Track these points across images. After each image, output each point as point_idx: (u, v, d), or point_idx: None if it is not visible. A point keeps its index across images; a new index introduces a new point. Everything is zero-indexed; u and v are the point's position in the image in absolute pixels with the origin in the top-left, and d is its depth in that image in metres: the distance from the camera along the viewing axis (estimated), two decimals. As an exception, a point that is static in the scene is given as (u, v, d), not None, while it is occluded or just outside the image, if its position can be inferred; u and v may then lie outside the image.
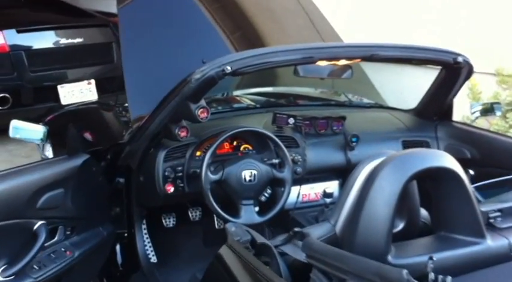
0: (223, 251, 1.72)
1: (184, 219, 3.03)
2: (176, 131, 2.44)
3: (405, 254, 1.55)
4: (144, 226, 2.86)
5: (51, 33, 5.65)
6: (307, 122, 2.84)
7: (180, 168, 2.55)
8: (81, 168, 2.30)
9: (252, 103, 3.33)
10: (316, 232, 1.69)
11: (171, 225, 3.02)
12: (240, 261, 1.62)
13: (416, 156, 1.62)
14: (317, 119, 2.88)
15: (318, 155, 2.85)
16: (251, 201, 2.53)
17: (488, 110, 3.11)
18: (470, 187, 1.62)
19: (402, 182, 1.52)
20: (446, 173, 1.58)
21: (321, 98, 3.66)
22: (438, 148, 2.96)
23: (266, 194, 2.62)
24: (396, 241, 1.60)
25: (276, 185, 2.62)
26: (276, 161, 2.65)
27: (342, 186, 2.94)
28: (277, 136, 2.62)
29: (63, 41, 5.63)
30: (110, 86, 5.70)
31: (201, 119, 2.33)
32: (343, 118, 2.92)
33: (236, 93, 3.61)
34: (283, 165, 2.60)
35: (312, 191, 2.89)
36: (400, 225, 1.74)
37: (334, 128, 2.92)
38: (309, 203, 2.88)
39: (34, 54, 5.48)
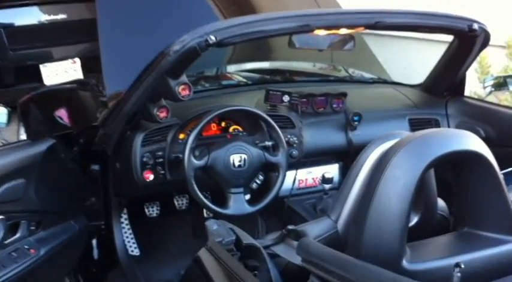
0: (203, 254, 1.44)
1: (169, 208, 2.75)
2: (155, 111, 2.15)
3: (423, 257, 1.28)
4: (124, 216, 2.58)
5: (33, 9, 5.29)
6: (304, 100, 2.55)
7: (160, 153, 2.26)
8: (46, 155, 2.01)
9: (243, 80, 3.03)
10: (315, 230, 1.41)
11: (154, 215, 2.74)
12: (221, 267, 1.35)
13: (437, 137, 1.32)
14: (315, 96, 2.59)
15: (316, 136, 2.56)
16: (241, 189, 2.25)
17: (500, 84, 2.81)
18: (500, 174, 1.34)
19: (420, 170, 1.24)
20: (473, 158, 1.29)
21: (319, 73, 3.36)
22: (448, 126, 2.67)
23: (258, 181, 2.34)
24: (410, 240, 1.32)
25: (269, 170, 2.34)
26: (269, 143, 2.36)
27: (342, 170, 2.66)
28: (270, 116, 2.33)
29: (46, 17, 5.27)
30: (96, 65, 5.36)
31: (182, 97, 2.04)
32: (344, 95, 2.62)
33: (230, 69, 3.32)
34: (276, 148, 2.31)
35: (309, 176, 2.60)
36: (414, 220, 1.47)
37: (334, 105, 2.63)
38: (306, 189, 2.60)
39: (14, 32, 5.12)
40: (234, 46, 3.01)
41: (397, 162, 1.25)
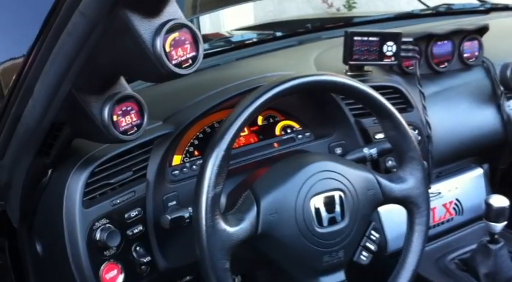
0: None
1: None
2: (105, 112, 0.80)
3: None
4: None
5: None
6: (416, 48, 1.22)
7: (132, 215, 0.93)
8: None
9: (262, 33, 1.66)
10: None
11: None
12: None
13: None
14: (430, 40, 1.27)
15: (446, 122, 1.26)
16: (337, 274, 0.94)
17: None
18: None
19: None
20: None
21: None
22: None
23: (370, 246, 1.02)
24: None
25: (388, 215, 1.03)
26: (370, 151, 1.06)
27: (488, 178, 1.37)
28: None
29: None
30: None
31: (181, 66, 0.71)
32: (482, 31, 1.32)
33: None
34: (402, 159, 1.00)
35: (438, 201, 1.30)
36: None
37: (466, 54, 1.32)
38: (436, 227, 1.30)
39: None
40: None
41: None
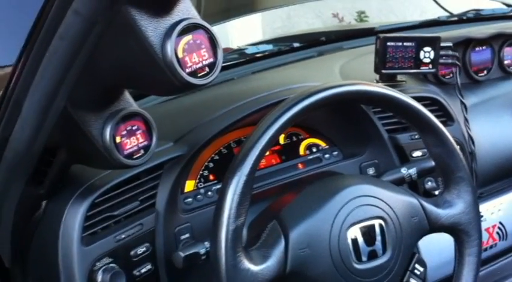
0: None
1: None
2: (107, 133, 0.68)
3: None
4: None
5: None
6: (456, 54, 1.09)
7: (142, 250, 0.80)
8: None
9: (279, 44, 1.53)
10: None
11: None
12: None
13: None
14: (468, 46, 1.15)
15: (487, 136, 1.14)
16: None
17: None
18: None
19: None
20: None
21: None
22: None
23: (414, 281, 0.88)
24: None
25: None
26: (410, 172, 0.93)
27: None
28: None
29: None
30: None
31: (199, 76, 0.59)
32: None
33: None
34: (448, 179, 0.87)
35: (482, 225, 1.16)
36: None
37: (506, 61, 1.20)
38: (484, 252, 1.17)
39: None
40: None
41: None
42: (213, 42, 0.60)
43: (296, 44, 1.41)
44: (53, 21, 0.58)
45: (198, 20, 0.59)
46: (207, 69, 0.60)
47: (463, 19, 1.57)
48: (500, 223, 1.19)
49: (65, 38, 0.57)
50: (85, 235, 0.77)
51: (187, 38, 0.58)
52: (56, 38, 0.58)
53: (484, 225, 1.17)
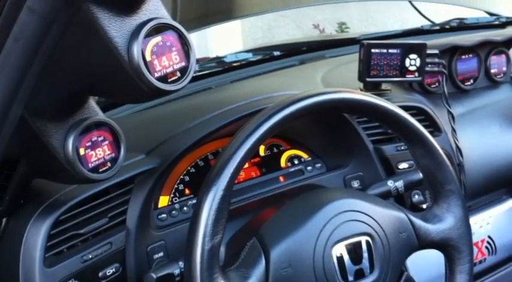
0: None
1: None
2: (70, 144, 0.62)
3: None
4: None
5: None
6: (443, 62, 1.05)
7: (111, 271, 0.74)
8: None
9: (259, 53, 1.49)
10: None
11: None
12: None
13: None
14: (454, 53, 1.11)
15: (475, 147, 1.10)
16: None
17: None
18: None
19: None
20: None
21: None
22: None
23: None
24: None
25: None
26: (396, 185, 0.88)
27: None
28: None
29: None
30: None
31: (170, 82, 0.53)
32: (510, 43, 1.16)
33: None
34: (438, 193, 0.83)
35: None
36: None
37: (494, 70, 1.16)
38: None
39: None
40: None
41: None
42: (185, 44, 0.55)
43: (277, 53, 1.36)
44: (6, 20, 0.52)
45: (168, 20, 0.54)
46: (178, 74, 0.54)
47: (446, 28, 1.54)
48: (489, 237, 1.15)
49: (20, 39, 0.52)
50: (49, 255, 0.70)
51: (156, 39, 0.53)
52: (10, 39, 0.52)
53: (473, 239, 1.13)
